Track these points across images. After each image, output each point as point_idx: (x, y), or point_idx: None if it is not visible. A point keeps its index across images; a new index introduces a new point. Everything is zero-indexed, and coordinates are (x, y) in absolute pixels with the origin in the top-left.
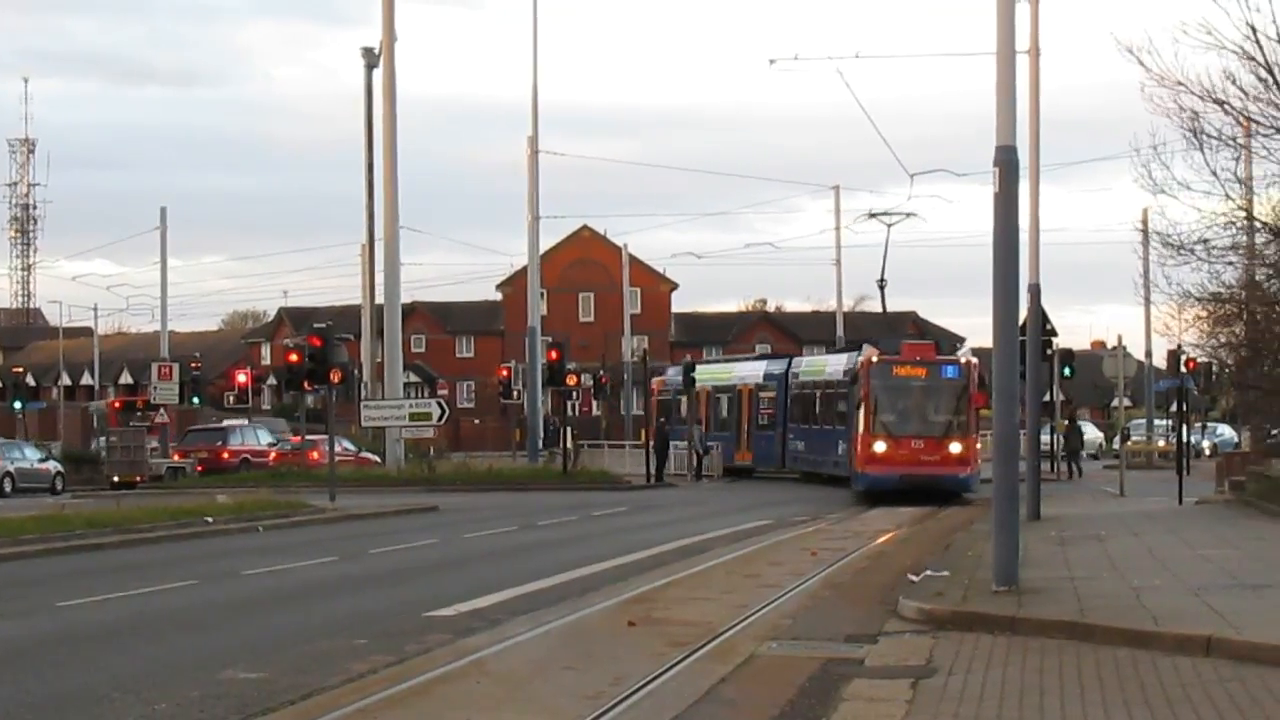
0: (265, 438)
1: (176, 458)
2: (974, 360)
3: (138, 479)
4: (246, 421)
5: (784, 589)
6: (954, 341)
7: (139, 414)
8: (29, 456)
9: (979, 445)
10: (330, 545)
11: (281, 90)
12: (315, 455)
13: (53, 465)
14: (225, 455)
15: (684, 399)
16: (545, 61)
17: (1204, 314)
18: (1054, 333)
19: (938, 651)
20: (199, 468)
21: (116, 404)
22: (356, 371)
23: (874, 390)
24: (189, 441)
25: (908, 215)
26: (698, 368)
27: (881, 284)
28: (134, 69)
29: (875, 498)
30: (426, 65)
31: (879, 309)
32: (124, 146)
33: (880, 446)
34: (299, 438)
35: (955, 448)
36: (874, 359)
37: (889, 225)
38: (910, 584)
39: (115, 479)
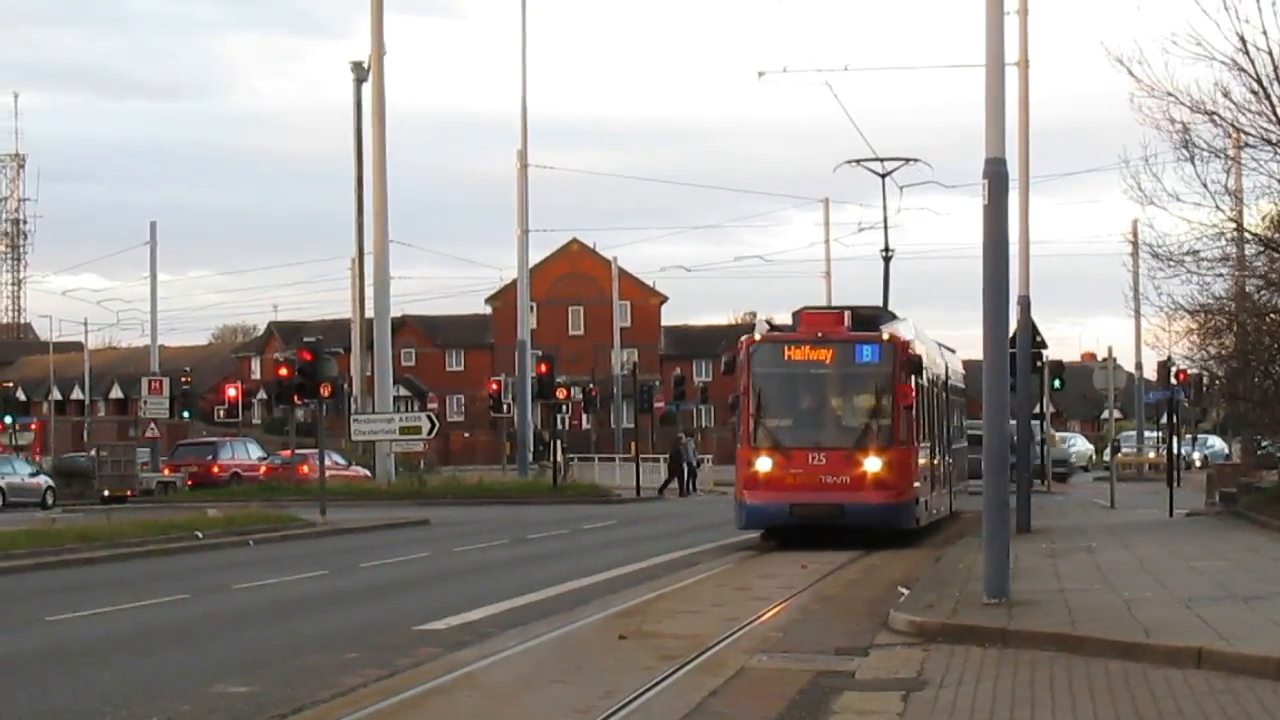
0: (255, 452)
1: (167, 472)
2: (905, 337)
3: (128, 493)
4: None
5: (774, 601)
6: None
7: None
8: (20, 471)
9: (920, 460)
10: (321, 559)
11: (266, 103)
12: (306, 469)
13: (43, 480)
14: (215, 470)
15: None
16: (533, 73)
17: (1194, 326)
18: (1044, 345)
19: (928, 664)
20: (189, 482)
21: None
22: (346, 385)
23: (757, 382)
24: (179, 456)
25: (908, 161)
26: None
27: (886, 255)
28: (117, 82)
29: (782, 537)
30: (412, 77)
31: None
32: (109, 160)
33: (764, 464)
34: (289, 451)
35: (872, 464)
36: (757, 337)
37: (883, 176)
38: (901, 596)
39: (105, 493)
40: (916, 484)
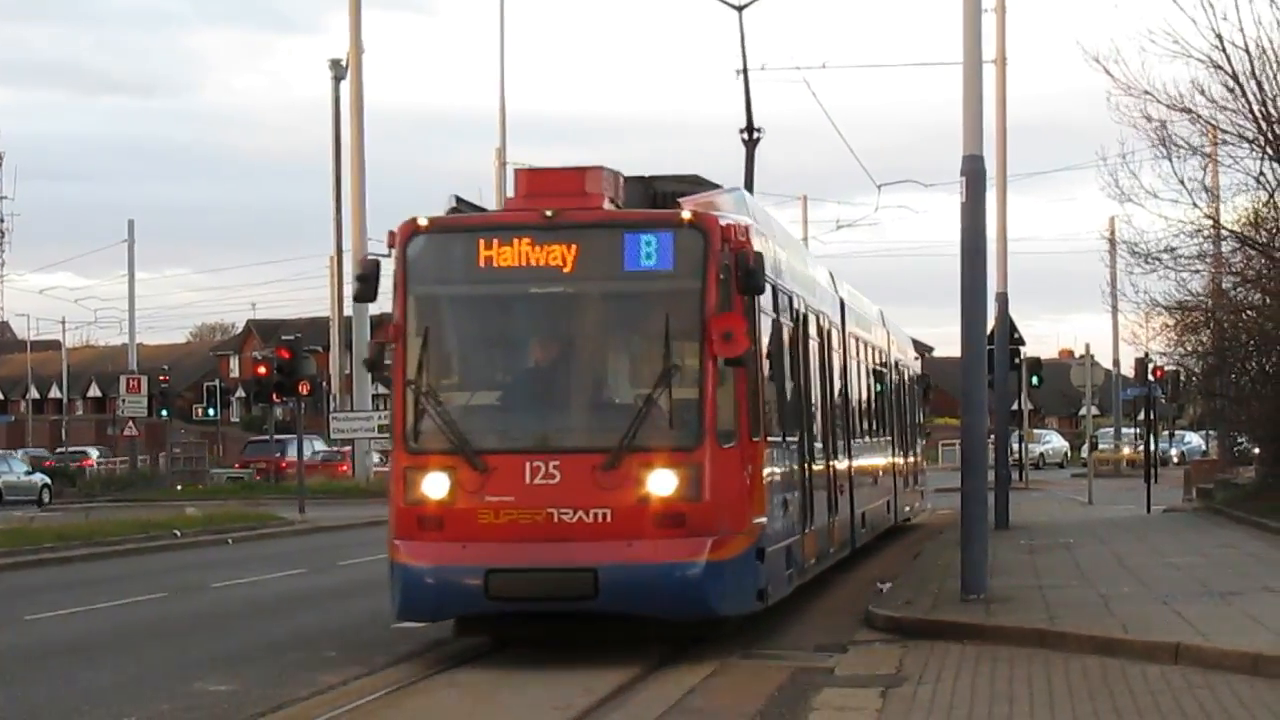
0: (320, 447)
1: (237, 467)
2: (732, 220)
3: (200, 488)
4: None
5: None
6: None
7: None
8: (16, 469)
9: (773, 470)
10: (300, 557)
11: (240, 100)
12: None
13: (39, 478)
14: (284, 465)
15: None
16: (509, 70)
17: (1171, 322)
18: (1022, 341)
19: (907, 660)
20: (258, 476)
21: None
22: (325, 383)
23: (422, 317)
24: (249, 453)
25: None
26: None
27: (749, 136)
28: (91, 78)
29: (495, 630)
30: (384, 73)
31: None
32: (84, 157)
33: (435, 486)
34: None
35: (659, 482)
36: (422, 223)
37: (739, 8)
38: (879, 593)
39: (179, 488)
40: (760, 518)
